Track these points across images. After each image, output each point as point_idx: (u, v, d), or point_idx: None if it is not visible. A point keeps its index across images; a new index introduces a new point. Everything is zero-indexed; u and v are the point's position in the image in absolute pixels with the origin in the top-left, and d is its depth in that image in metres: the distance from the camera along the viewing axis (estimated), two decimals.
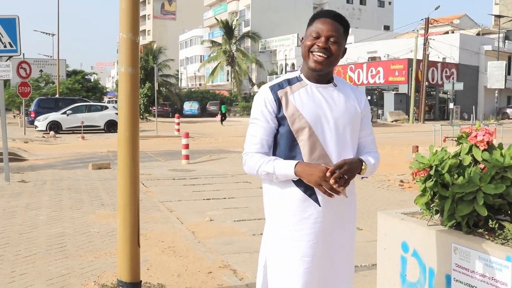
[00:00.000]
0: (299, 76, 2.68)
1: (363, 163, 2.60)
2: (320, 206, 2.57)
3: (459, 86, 43.80)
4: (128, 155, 4.45)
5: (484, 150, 3.27)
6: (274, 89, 2.63)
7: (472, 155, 3.30)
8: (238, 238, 6.81)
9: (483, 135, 3.27)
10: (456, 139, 3.43)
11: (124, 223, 4.48)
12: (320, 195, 2.55)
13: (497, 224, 3.06)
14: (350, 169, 2.48)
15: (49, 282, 5.07)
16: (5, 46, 10.84)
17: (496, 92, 51.67)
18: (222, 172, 12.94)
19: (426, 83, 46.70)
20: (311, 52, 2.57)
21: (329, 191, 2.45)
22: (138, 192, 4.55)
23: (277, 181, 2.59)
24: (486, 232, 3.12)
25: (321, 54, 2.53)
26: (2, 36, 10.81)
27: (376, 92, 51.58)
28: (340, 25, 2.59)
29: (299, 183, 2.55)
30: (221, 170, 13.40)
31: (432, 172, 3.21)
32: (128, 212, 4.47)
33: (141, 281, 4.60)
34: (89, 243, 6.44)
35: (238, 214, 8.17)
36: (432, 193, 3.28)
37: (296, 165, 2.47)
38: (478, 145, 3.28)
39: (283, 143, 2.60)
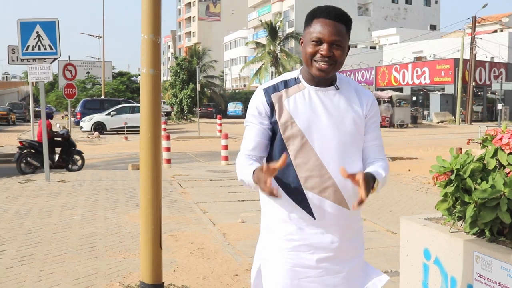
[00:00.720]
0: (298, 77, 2.48)
1: (376, 180, 2.33)
2: (315, 218, 2.40)
3: (508, 86, 42.59)
4: (150, 156, 4.43)
5: (510, 153, 3.11)
6: (268, 92, 2.46)
7: (497, 159, 3.15)
8: None
9: (509, 138, 3.11)
10: (481, 141, 3.28)
11: (146, 224, 4.46)
12: (314, 207, 2.39)
13: None
14: (368, 185, 2.23)
15: (75, 281, 5.10)
16: (45, 49, 11.05)
17: None
18: None
19: (473, 83, 45.66)
20: (314, 60, 2.35)
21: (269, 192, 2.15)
22: (160, 193, 4.52)
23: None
24: (510, 241, 2.97)
25: (324, 64, 2.33)
26: (43, 39, 11.03)
27: (421, 92, 50.72)
28: (342, 24, 2.35)
29: (292, 193, 2.40)
30: None
31: (453, 177, 3.07)
32: (150, 213, 4.44)
33: (163, 283, 4.58)
34: (119, 244, 6.47)
35: None
36: (454, 198, 3.14)
37: (253, 173, 2.29)
38: (503, 148, 3.12)
39: (276, 149, 2.43)
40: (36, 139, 14.40)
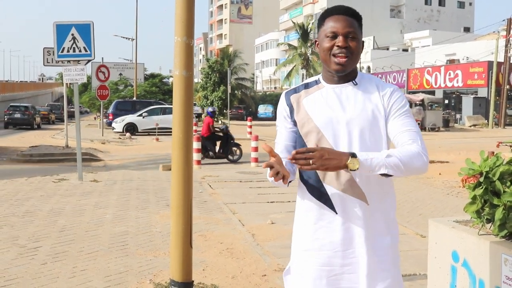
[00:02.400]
0: (318, 79, 2.56)
1: (350, 157, 2.18)
2: (336, 213, 2.41)
3: None
4: (181, 156, 4.49)
5: None
6: (288, 94, 2.57)
7: None
8: None
9: None
10: (511, 144, 3.27)
11: (177, 223, 4.52)
12: (335, 201, 2.40)
13: None
14: (322, 158, 2.14)
15: (107, 278, 5.21)
16: (80, 51, 11.26)
17: None
18: None
19: (507, 86, 44.92)
20: (332, 55, 2.40)
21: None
22: (191, 193, 4.59)
23: (299, 190, 2.54)
24: None
25: (343, 55, 2.37)
26: (78, 41, 11.24)
27: (454, 95, 50.12)
28: (353, 19, 2.43)
29: (313, 190, 2.46)
30: None
31: (481, 179, 3.07)
32: (181, 213, 4.51)
33: (192, 281, 4.64)
34: (149, 242, 6.58)
35: None
36: (482, 201, 3.14)
37: None
38: None
39: (298, 146, 2.50)
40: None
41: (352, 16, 2.44)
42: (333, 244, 2.43)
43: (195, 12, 4.51)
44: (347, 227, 2.42)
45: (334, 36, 2.40)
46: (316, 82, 2.56)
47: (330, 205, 2.43)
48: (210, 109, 19.01)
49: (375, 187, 2.41)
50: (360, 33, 2.45)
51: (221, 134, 17.21)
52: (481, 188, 3.08)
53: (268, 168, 2.26)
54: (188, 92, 4.51)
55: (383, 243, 2.47)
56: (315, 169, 2.17)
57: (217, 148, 17.13)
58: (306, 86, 2.57)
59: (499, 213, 3.01)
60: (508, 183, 3.09)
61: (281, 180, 2.26)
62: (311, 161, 2.14)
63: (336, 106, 2.44)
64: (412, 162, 2.28)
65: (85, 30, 11.29)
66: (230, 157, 16.90)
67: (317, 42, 2.51)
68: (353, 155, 2.20)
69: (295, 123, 2.51)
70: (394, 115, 2.43)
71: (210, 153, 17.00)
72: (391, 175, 2.31)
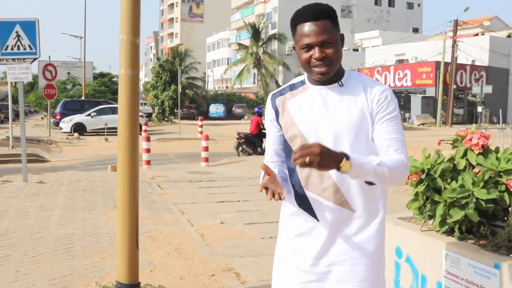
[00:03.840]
0: (304, 80, 2.45)
1: (344, 159, 2.05)
2: (318, 220, 2.34)
3: (488, 89, 43.15)
4: (127, 156, 4.44)
5: (479, 153, 3.17)
6: (274, 96, 2.48)
7: (467, 159, 3.21)
8: (246, 241, 6.76)
9: (478, 138, 3.17)
10: (451, 142, 3.34)
11: (123, 224, 4.45)
12: (316, 209, 2.33)
13: (489, 231, 2.96)
14: (320, 155, 2.00)
15: (52, 282, 5.09)
16: (25, 49, 10.98)
17: None
18: (240, 175, 12.90)
19: (454, 86, 46.05)
20: (311, 66, 2.29)
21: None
22: (138, 193, 4.53)
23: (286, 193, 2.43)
24: (479, 239, 3.02)
25: (322, 67, 2.27)
26: (22, 39, 10.96)
27: (403, 95, 51.08)
28: (325, 20, 2.26)
29: (296, 196, 2.38)
30: (239, 173, 13.37)
31: (423, 176, 3.12)
32: (127, 213, 4.44)
33: (139, 282, 4.57)
34: (96, 244, 6.46)
35: (249, 217, 8.12)
36: (424, 197, 3.20)
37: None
38: (473, 148, 3.18)
39: (285, 150, 2.44)
40: (249, 132, 18.55)
41: (324, 18, 2.27)
42: (313, 251, 2.35)
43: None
44: (328, 234, 2.33)
45: (309, 47, 2.28)
46: (302, 83, 2.45)
47: (312, 213, 2.35)
48: (257, 109, 19.63)
49: (359, 194, 2.32)
50: (335, 33, 2.30)
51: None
52: (423, 185, 3.13)
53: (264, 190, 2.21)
54: (134, 91, 4.44)
55: (366, 252, 2.35)
56: (310, 166, 2.01)
57: (263, 145, 17.46)
58: (292, 87, 2.47)
59: (440, 209, 3.07)
60: (449, 180, 3.15)
61: (279, 199, 2.17)
62: (307, 159, 1.99)
63: (321, 110, 2.34)
64: (396, 175, 2.20)
65: (30, 27, 11.01)
66: None
67: (295, 48, 2.38)
68: (347, 157, 2.06)
69: (281, 127, 2.44)
70: (381, 121, 2.30)
71: (259, 149, 17.99)
72: (373, 184, 2.24)
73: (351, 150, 2.23)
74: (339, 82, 2.36)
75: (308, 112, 2.35)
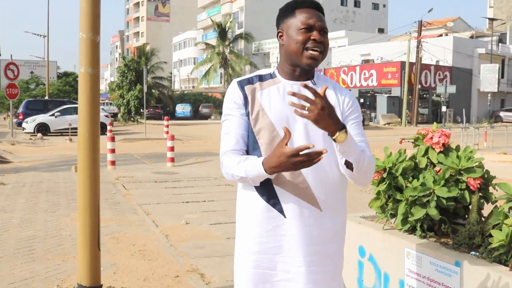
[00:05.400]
0: (273, 72, 2.41)
1: (344, 129, 2.08)
2: (285, 217, 2.27)
3: (452, 89, 43.85)
4: (88, 157, 4.37)
5: (440, 152, 3.19)
6: (242, 84, 2.37)
7: (428, 158, 3.22)
8: (211, 241, 6.71)
9: (439, 137, 3.18)
10: (413, 141, 3.35)
11: (84, 226, 4.38)
12: (285, 205, 2.27)
13: (450, 229, 2.98)
14: (325, 109, 2.00)
15: (11, 286, 4.97)
16: None
17: (489, 95, 51.73)
18: (206, 175, 12.84)
19: (419, 86, 46.67)
20: (305, 48, 2.27)
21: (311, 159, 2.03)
22: (99, 194, 4.45)
23: (245, 189, 2.37)
24: (441, 237, 3.04)
25: (317, 49, 2.26)
26: None
27: (369, 95, 51.56)
28: (322, 14, 2.35)
29: (262, 191, 2.29)
30: (205, 173, 13.30)
31: (385, 175, 3.12)
32: (88, 214, 4.37)
33: (101, 285, 4.49)
34: (58, 246, 6.34)
35: (215, 217, 8.08)
36: (386, 196, 3.20)
37: (263, 162, 2.15)
38: (434, 147, 3.20)
39: (250, 143, 2.34)
40: None
41: (321, 12, 2.35)
42: (279, 249, 2.30)
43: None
44: (295, 233, 2.28)
45: (309, 29, 2.28)
46: (271, 76, 2.41)
47: (279, 209, 2.29)
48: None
49: (328, 193, 2.31)
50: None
51: None
52: (385, 184, 3.14)
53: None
54: (94, 90, 4.37)
55: (330, 252, 2.35)
56: (307, 117, 2.00)
57: None
58: (260, 78, 2.41)
59: (402, 208, 3.07)
60: (410, 178, 3.16)
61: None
62: (307, 107, 1.99)
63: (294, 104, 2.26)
64: (369, 168, 2.25)
65: None
66: None
67: (281, 34, 2.36)
68: (346, 130, 2.09)
69: (248, 116, 2.34)
70: (349, 124, 2.34)
71: None
72: (350, 169, 2.22)
73: (324, 145, 2.23)
74: (312, 80, 2.37)
75: (280, 106, 2.30)
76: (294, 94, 2.03)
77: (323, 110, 2.00)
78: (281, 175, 2.26)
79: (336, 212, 2.36)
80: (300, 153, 2.01)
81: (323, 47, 2.28)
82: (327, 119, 2.02)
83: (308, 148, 1.99)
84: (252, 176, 2.19)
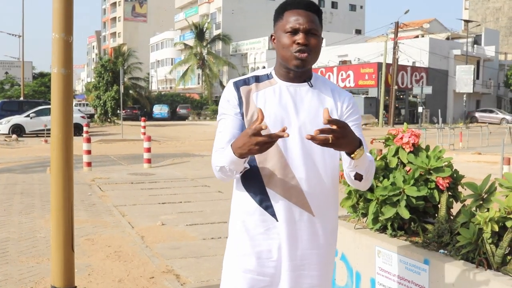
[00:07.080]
0: (270, 73, 2.37)
1: (361, 146, 2.08)
2: (277, 221, 2.25)
3: (428, 90, 44.30)
4: (61, 157, 4.35)
5: (410, 152, 3.23)
6: (238, 84, 2.34)
7: (399, 157, 3.27)
8: (187, 242, 6.71)
9: (409, 137, 3.23)
10: (384, 141, 3.39)
11: (57, 227, 4.35)
12: (277, 208, 2.26)
13: (419, 227, 3.02)
14: (346, 137, 1.97)
15: None
16: None
17: (465, 96, 52.40)
18: (182, 176, 12.81)
19: (396, 87, 47.04)
20: (291, 52, 2.24)
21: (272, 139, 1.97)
22: (72, 195, 4.43)
23: (238, 190, 2.34)
24: (411, 235, 3.08)
25: (302, 52, 2.22)
26: None
27: None
28: (314, 14, 2.28)
29: (255, 193, 2.27)
30: (182, 174, 13.27)
31: None
32: (61, 216, 4.34)
33: (75, 286, 4.47)
34: (32, 249, 6.29)
35: (191, 218, 8.07)
36: (357, 195, 3.24)
37: (231, 145, 2.11)
38: (404, 147, 3.24)
39: None
40: None
41: (314, 12, 2.29)
42: (269, 253, 2.28)
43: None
44: (286, 237, 2.26)
45: (295, 32, 2.25)
46: (268, 77, 2.37)
47: (271, 212, 2.27)
48: None
49: (320, 197, 2.29)
50: (320, 29, 2.31)
51: None
52: None
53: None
54: (67, 90, 4.34)
55: (321, 258, 2.33)
56: (330, 146, 1.95)
57: None
58: (257, 79, 2.37)
59: (372, 207, 3.12)
60: (381, 178, 3.20)
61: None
62: (331, 137, 1.93)
63: (290, 107, 2.28)
64: (372, 176, 2.26)
65: None
66: None
67: (273, 37, 2.35)
68: (361, 144, 2.08)
69: (242, 116, 2.31)
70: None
71: None
72: (358, 180, 2.22)
73: (321, 149, 2.22)
74: (309, 82, 2.34)
75: (275, 108, 2.27)
76: (312, 139, 1.94)
77: (346, 137, 1.97)
78: (274, 178, 2.25)
79: (328, 218, 2.34)
80: (263, 133, 1.96)
81: (309, 49, 2.24)
82: (344, 144, 2.00)
83: (265, 129, 1.94)
84: (227, 163, 2.14)
